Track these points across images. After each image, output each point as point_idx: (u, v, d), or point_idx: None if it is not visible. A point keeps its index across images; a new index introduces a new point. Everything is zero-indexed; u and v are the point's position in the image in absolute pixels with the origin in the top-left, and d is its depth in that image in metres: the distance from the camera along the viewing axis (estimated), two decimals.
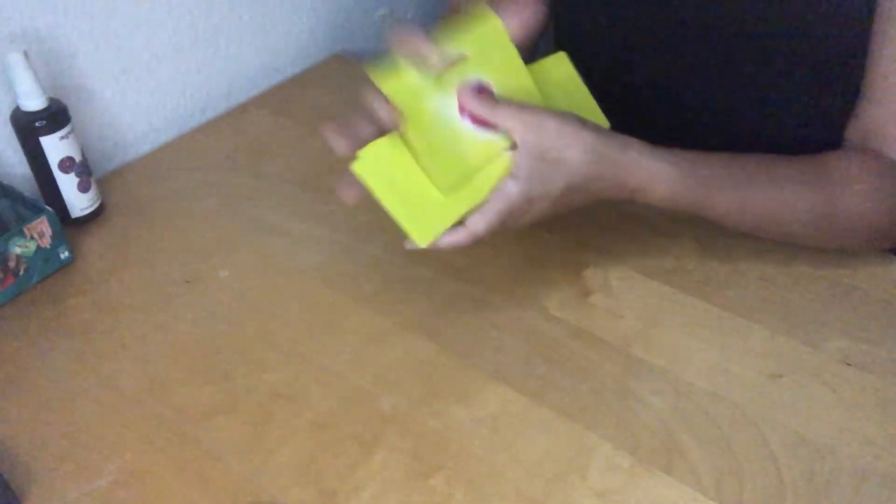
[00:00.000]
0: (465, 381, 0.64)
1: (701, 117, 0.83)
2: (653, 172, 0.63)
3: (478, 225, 0.59)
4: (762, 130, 0.80)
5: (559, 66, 0.65)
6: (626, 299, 0.71)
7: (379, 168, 0.58)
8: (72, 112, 0.76)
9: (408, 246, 0.60)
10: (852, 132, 0.71)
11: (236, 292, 0.72)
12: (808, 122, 0.78)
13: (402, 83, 0.58)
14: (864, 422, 0.60)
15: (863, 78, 0.70)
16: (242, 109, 0.99)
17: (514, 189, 0.59)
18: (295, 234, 0.79)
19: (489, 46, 0.61)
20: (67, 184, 0.77)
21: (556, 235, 0.77)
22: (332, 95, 1.01)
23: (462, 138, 0.59)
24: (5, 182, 0.76)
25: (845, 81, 0.72)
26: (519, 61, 0.62)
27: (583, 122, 0.61)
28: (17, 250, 0.70)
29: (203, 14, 0.92)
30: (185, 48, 0.92)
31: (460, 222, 0.60)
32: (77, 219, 0.79)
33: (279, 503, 0.56)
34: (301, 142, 0.93)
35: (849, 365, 0.64)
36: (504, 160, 0.59)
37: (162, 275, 0.74)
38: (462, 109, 0.59)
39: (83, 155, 0.77)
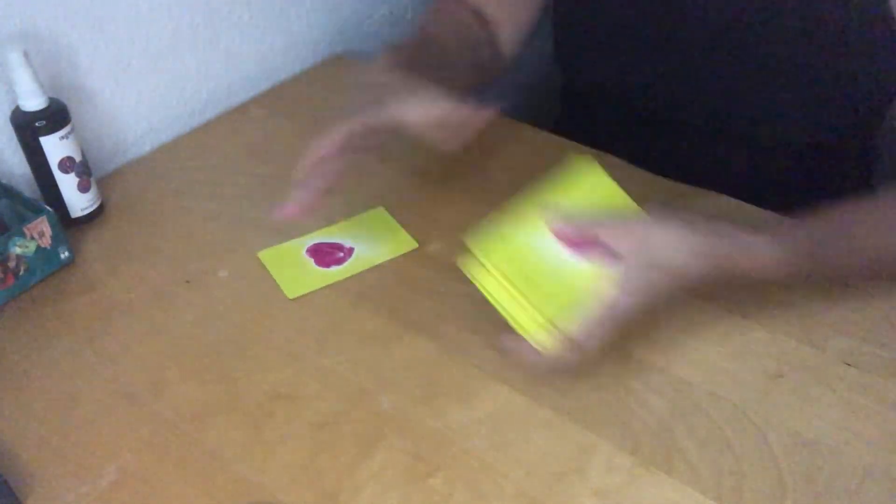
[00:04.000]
0: (465, 381, 0.64)
1: (709, 121, 0.82)
2: (756, 255, 0.61)
3: (588, 341, 0.57)
4: (769, 131, 0.80)
5: (588, 172, 0.63)
6: None
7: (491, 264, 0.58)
8: (72, 112, 0.76)
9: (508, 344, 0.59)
10: None
11: (236, 292, 0.72)
12: (821, 126, 0.77)
13: (502, 247, 0.58)
14: (864, 422, 0.60)
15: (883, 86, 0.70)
16: (242, 109, 0.99)
17: (624, 300, 0.57)
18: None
19: (590, 187, 0.62)
20: (67, 184, 0.77)
21: None
22: (332, 95, 1.01)
23: (565, 269, 0.58)
24: (5, 182, 0.76)
25: (864, 87, 0.72)
26: (618, 191, 0.62)
27: (685, 224, 0.59)
28: (17, 250, 0.70)
29: (203, 14, 0.92)
30: (185, 48, 0.92)
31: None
32: (77, 219, 0.79)
33: (279, 503, 0.56)
34: (301, 142, 0.92)
35: (849, 365, 0.64)
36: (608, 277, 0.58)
37: (162, 275, 0.74)
38: (561, 239, 0.58)
39: (83, 155, 0.77)
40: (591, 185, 0.62)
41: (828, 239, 0.64)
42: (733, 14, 0.75)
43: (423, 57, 0.72)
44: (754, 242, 0.61)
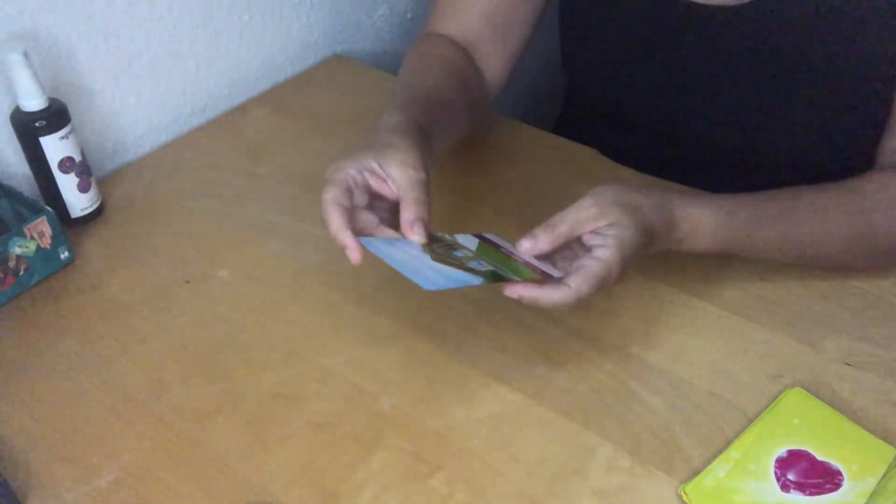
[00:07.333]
0: (465, 381, 0.64)
1: (715, 137, 0.82)
2: (697, 221, 0.64)
3: (581, 288, 0.58)
4: (783, 152, 0.80)
5: (798, 401, 0.61)
6: (626, 299, 0.71)
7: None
8: (72, 112, 0.76)
9: None
10: (884, 155, 0.71)
11: (236, 292, 0.72)
12: (831, 145, 0.77)
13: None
14: (864, 422, 0.60)
15: (890, 103, 0.70)
16: (242, 109, 0.99)
17: (614, 259, 0.59)
18: (295, 234, 0.79)
19: (803, 415, 0.60)
20: (67, 184, 0.77)
21: None
22: (332, 95, 1.01)
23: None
24: (5, 182, 0.76)
25: (870, 105, 0.72)
26: (840, 418, 0.60)
27: (637, 187, 0.64)
28: (17, 250, 0.70)
29: (203, 14, 0.92)
30: (185, 48, 0.92)
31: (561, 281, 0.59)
32: (77, 219, 0.79)
33: (279, 503, 0.56)
34: (301, 142, 0.93)
35: (849, 365, 0.64)
36: None
37: (162, 275, 0.74)
38: (785, 486, 0.55)
39: (83, 155, 0.77)
40: (808, 415, 0.60)
41: (765, 219, 0.67)
42: (743, 32, 0.74)
43: (430, 115, 0.71)
44: (695, 212, 0.64)
